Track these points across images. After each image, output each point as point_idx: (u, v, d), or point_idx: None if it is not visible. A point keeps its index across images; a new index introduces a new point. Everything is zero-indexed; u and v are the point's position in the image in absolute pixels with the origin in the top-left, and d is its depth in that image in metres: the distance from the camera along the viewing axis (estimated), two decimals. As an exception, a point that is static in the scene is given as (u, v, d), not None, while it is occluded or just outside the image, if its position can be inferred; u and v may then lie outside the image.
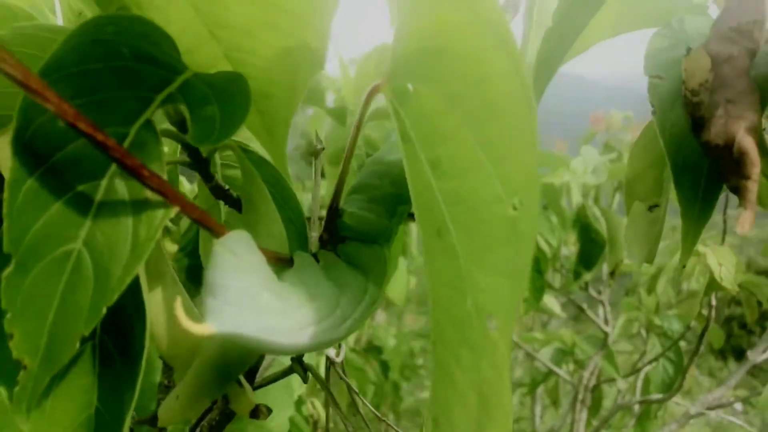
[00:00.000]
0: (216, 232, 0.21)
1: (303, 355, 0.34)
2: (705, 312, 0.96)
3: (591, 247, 1.08)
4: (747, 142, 0.25)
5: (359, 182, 0.30)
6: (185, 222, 0.71)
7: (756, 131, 0.26)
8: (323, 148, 0.32)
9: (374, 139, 0.59)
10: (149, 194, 0.20)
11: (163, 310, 0.27)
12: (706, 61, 0.28)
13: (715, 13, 0.39)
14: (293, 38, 0.23)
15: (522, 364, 2.32)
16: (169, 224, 0.71)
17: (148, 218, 0.20)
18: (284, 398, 0.80)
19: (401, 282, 1.48)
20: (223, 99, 0.23)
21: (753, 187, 0.25)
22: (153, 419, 0.28)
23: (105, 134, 0.18)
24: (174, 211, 0.20)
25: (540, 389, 1.64)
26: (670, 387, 1.19)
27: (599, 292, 1.28)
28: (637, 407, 1.36)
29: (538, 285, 1.06)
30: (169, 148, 0.37)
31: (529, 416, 1.92)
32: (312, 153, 0.32)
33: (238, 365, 0.28)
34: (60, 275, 0.19)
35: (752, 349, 1.29)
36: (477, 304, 0.22)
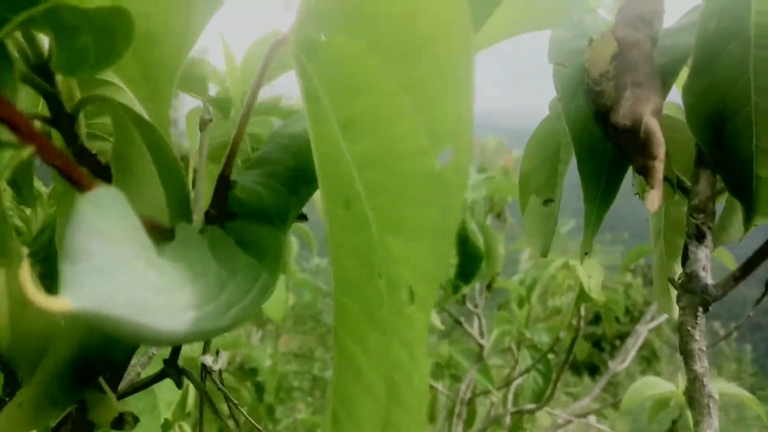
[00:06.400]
0: (82, 186, 0.17)
1: (177, 358, 0.30)
2: (575, 322, 1.01)
3: (469, 261, 1.10)
4: (653, 124, 0.25)
5: (259, 156, 0.27)
6: (39, 221, 0.63)
7: (660, 114, 0.26)
8: (211, 119, 0.28)
9: (259, 134, 0.55)
10: (-8, 130, 0.16)
11: (5, 295, 0.22)
12: (608, 51, 0.28)
13: (606, 14, 0.40)
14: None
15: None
16: (19, 223, 0.63)
17: (-10, 159, 0.15)
18: (149, 423, 0.73)
19: (279, 299, 1.43)
20: (100, 32, 0.19)
21: (659, 166, 0.25)
22: (-14, 433, 0.23)
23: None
24: (26, 152, 0.16)
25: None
26: (541, 397, 1.24)
27: (476, 306, 1.31)
28: (508, 419, 1.40)
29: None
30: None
31: None
32: (200, 125, 0.28)
33: (101, 363, 0.24)
34: None
35: (613, 360, 1.38)
36: (390, 279, 0.20)
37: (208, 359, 0.40)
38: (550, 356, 1.32)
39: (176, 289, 0.18)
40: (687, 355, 0.27)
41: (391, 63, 0.18)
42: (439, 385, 1.34)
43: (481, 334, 1.27)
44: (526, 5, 0.40)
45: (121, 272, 0.15)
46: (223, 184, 0.24)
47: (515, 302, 1.41)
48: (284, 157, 0.26)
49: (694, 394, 0.26)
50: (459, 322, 1.32)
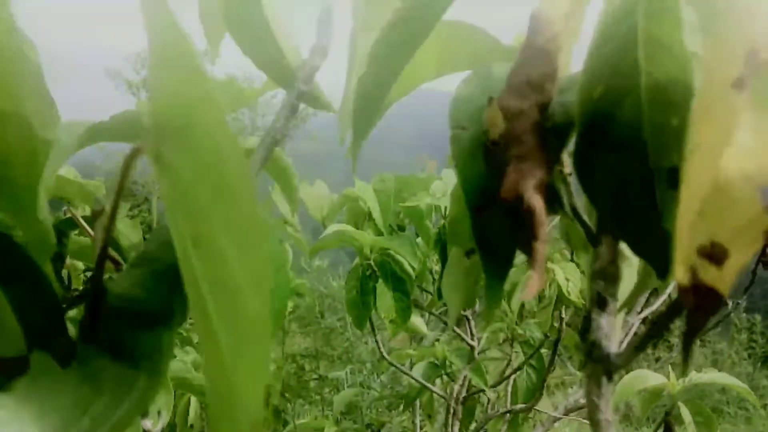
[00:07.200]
0: None
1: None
2: (557, 324, 1.01)
3: (453, 265, 1.09)
4: (535, 201, 0.25)
5: (141, 253, 0.26)
6: None
7: (543, 189, 0.25)
8: (102, 210, 0.28)
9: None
10: None
11: None
12: (500, 118, 0.27)
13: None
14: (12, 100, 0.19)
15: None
16: None
17: None
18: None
19: (280, 309, 1.43)
20: None
21: (540, 247, 0.24)
22: None
23: None
24: None
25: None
26: (535, 392, 1.24)
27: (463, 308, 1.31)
28: (506, 415, 1.40)
29: (404, 306, 1.05)
30: None
31: (411, 428, 1.94)
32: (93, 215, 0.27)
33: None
34: None
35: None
36: (241, 407, 0.20)
37: (147, 423, 0.40)
38: (544, 351, 1.32)
39: (18, 433, 0.18)
40: (594, 425, 0.27)
41: (211, 199, 0.18)
42: (437, 384, 1.34)
43: (471, 336, 1.27)
44: (445, 50, 0.39)
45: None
46: (94, 293, 0.24)
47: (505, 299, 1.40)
48: (164, 253, 0.26)
49: (599, 467, 0.26)
50: (447, 324, 1.31)
